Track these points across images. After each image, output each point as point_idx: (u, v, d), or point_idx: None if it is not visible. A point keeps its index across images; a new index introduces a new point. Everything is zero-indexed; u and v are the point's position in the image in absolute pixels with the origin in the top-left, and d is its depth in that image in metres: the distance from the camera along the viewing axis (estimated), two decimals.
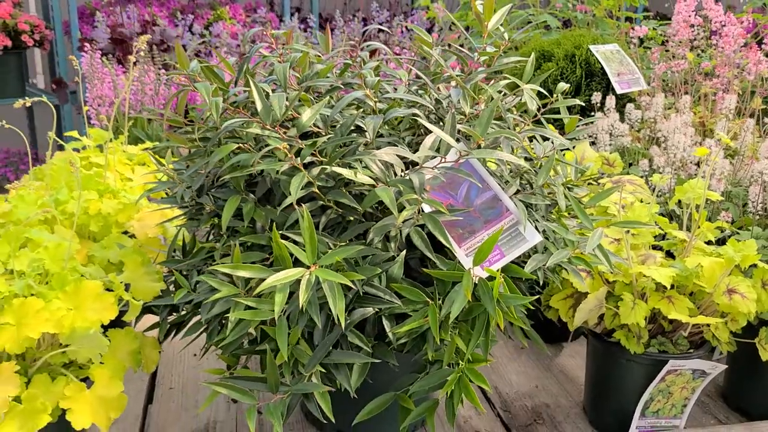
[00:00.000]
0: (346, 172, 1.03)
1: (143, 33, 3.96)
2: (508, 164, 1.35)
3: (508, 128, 1.21)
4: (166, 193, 1.31)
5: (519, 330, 1.26)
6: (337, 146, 1.10)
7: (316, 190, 1.08)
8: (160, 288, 1.26)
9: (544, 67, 2.45)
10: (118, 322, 1.18)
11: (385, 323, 1.12)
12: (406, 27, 4.65)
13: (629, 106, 2.25)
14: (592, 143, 2.12)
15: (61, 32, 4.14)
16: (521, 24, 3.28)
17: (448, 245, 1.00)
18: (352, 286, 1.02)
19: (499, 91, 1.33)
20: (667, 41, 2.47)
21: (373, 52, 1.69)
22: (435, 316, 1.06)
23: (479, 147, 1.22)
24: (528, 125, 1.24)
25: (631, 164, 2.12)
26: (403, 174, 1.09)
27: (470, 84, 1.28)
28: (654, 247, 1.48)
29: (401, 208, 1.03)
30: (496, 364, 1.73)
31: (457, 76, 1.30)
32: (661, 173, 1.87)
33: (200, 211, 1.27)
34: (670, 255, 1.53)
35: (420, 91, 1.41)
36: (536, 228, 1.23)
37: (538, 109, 1.26)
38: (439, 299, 1.11)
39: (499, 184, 1.22)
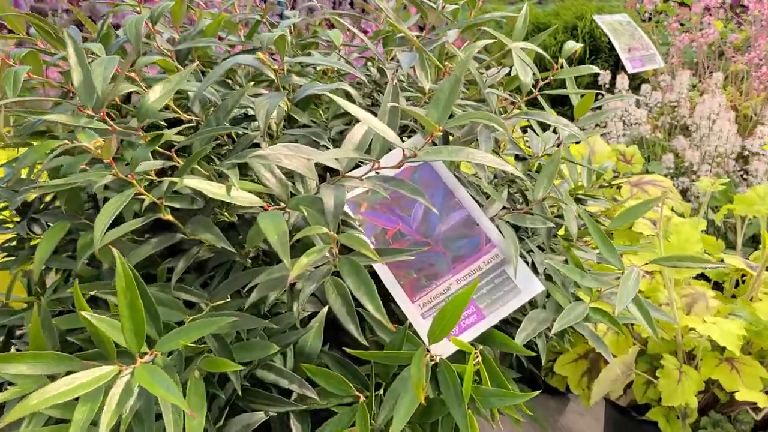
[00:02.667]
0: (208, 188, 0.60)
1: (69, 9, 3.50)
2: (491, 168, 0.92)
3: (490, 112, 0.77)
4: None
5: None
6: (206, 142, 0.67)
7: (168, 216, 0.65)
8: None
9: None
10: None
11: (295, 427, 0.69)
12: None
13: (645, 88, 1.82)
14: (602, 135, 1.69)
15: None
16: None
17: (376, 313, 0.57)
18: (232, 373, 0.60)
19: (479, 60, 0.90)
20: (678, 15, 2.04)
21: (311, 11, 1.25)
22: (365, 423, 0.64)
23: (446, 141, 0.79)
24: (520, 108, 0.81)
25: (648, 158, 1.69)
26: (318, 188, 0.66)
27: (433, 47, 0.84)
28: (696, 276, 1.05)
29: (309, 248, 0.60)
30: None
31: (416, 37, 0.87)
32: (694, 172, 1.45)
33: (23, 242, 0.83)
34: (717, 286, 1.10)
35: (368, 64, 0.98)
36: (533, 267, 0.80)
37: (535, 85, 0.82)
38: (380, 390, 0.68)
39: (476, 200, 0.79)
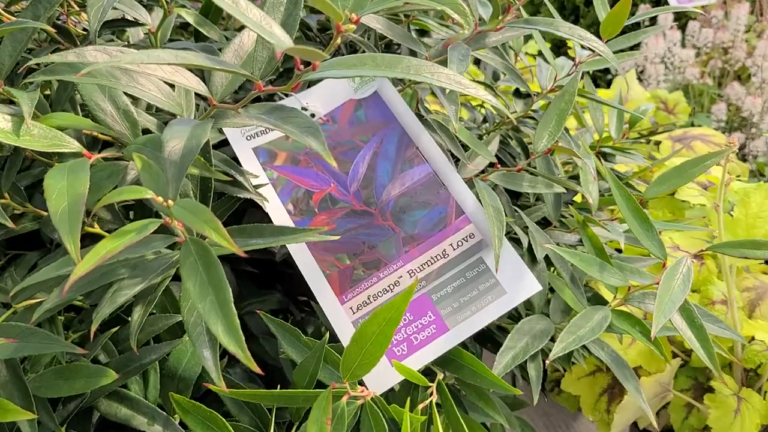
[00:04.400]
0: None
1: None
2: (480, 105, 0.66)
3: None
4: None
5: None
6: (13, 54, 0.43)
7: None
8: None
9: None
10: None
11: None
12: None
13: (693, 26, 1.52)
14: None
15: None
16: None
17: (225, 338, 0.32)
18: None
19: None
20: None
21: None
22: None
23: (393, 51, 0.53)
24: (518, 14, 0.55)
25: (693, 110, 1.40)
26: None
27: None
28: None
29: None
30: None
31: None
32: (753, 125, 1.16)
33: None
34: None
35: None
36: (530, 252, 0.54)
37: None
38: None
39: (447, 150, 0.53)
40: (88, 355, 0.44)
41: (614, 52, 0.62)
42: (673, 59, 1.36)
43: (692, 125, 1.30)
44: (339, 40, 0.34)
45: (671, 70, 1.38)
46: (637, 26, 1.38)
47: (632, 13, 1.15)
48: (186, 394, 0.48)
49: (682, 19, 1.74)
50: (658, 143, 1.13)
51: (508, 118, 0.54)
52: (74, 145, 0.39)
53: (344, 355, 0.39)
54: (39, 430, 0.42)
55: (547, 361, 0.45)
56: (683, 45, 1.47)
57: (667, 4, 1.54)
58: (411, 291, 0.36)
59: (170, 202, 0.34)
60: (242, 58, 0.43)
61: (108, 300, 0.36)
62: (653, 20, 1.52)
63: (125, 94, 0.43)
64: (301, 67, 0.36)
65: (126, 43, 0.53)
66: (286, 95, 0.55)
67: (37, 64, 0.44)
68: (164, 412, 0.46)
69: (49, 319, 0.43)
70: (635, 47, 1.10)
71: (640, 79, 1.41)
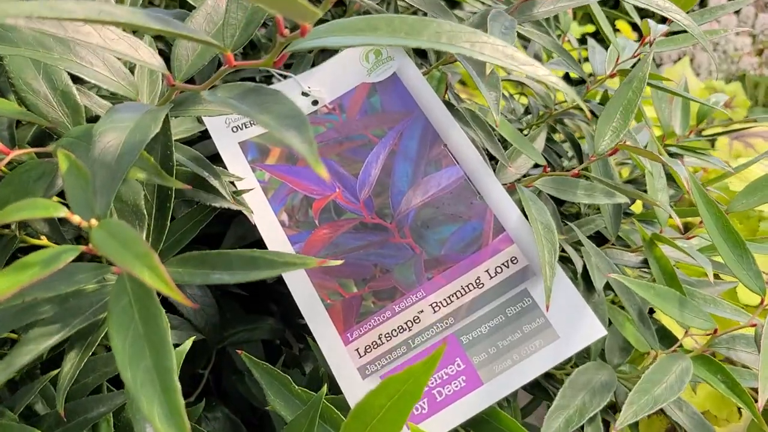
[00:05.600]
0: None
1: None
2: (520, 93, 0.55)
3: None
4: None
5: None
6: None
7: None
8: None
9: None
10: None
11: None
12: None
13: (748, 11, 1.39)
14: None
15: None
16: None
17: (161, 425, 0.22)
18: None
19: None
20: None
21: None
22: None
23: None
24: None
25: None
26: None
27: None
28: None
29: None
30: None
31: None
32: None
33: None
34: None
35: None
36: (585, 278, 0.43)
37: None
38: None
39: (483, 149, 0.42)
40: (17, 408, 0.34)
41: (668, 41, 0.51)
42: (727, 47, 1.23)
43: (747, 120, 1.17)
44: None
45: (724, 59, 1.25)
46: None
47: None
48: None
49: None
50: (712, 141, 1.01)
51: (573, 107, 0.43)
52: None
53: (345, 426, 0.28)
54: None
55: (613, 431, 0.34)
56: (737, 33, 1.34)
57: None
58: (438, 355, 0.25)
59: (93, 222, 0.24)
60: (216, 24, 0.33)
61: (4, 363, 0.26)
62: (702, 4, 1.39)
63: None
64: (286, 32, 0.25)
65: None
66: (284, 77, 0.45)
67: None
68: None
69: None
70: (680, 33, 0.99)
71: (691, 68, 1.28)
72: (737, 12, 1.41)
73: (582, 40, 1.08)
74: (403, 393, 0.26)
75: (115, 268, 0.27)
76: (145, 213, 0.30)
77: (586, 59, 0.72)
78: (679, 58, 1.42)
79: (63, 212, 0.24)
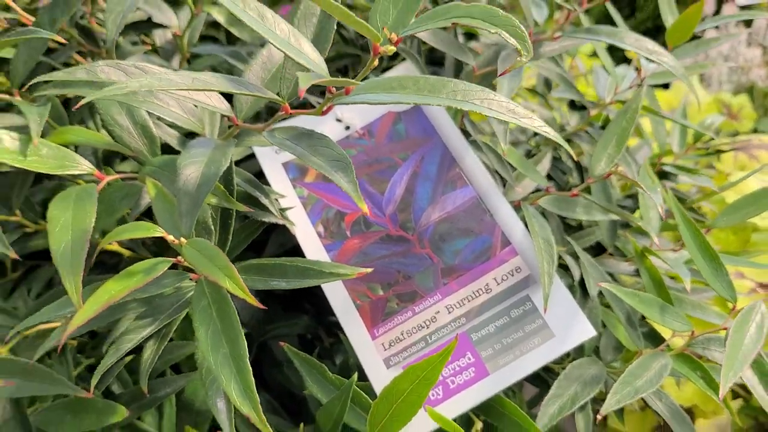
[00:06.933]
0: None
1: None
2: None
3: (524, 23, 0.46)
4: None
5: None
6: (28, 61, 0.40)
7: None
8: None
9: None
10: None
11: None
12: None
13: (760, 23, 1.43)
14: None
15: None
16: None
17: (237, 398, 0.29)
18: None
19: None
20: None
21: None
22: None
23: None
24: (575, 20, 0.49)
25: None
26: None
27: None
28: None
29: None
30: None
31: None
32: None
33: None
34: None
35: None
36: (582, 285, 0.50)
37: None
38: None
39: (494, 171, 0.49)
40: (100, 387, 0.41)
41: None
42: (738, 59, 1.28)
43: (755, 131, 1.22)
44: (376, 63, 0.30)
45: (735, 70, 1.29)
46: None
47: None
48: (203, 427, 0.45)
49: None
50: (719, 152, 1.06)
51: (574, 132, 0.49)
52: (84, 166, 0.36)
53: (372, 411, 0.35)
54: None
55: (598, 417, 0.41)
56: (749, 44, 1.38)
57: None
58: (450, 349, 0.31)
59: (183, 240, 0.31)
60: (270, 71, 0.39)
61: (113, 348, 0.33)
62: (717, 14, 1.44)
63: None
64: (333, 90, 0.32)
65: (151, 45, 0.50)
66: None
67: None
68: None
69: (64, 348, 0.40)
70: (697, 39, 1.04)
71: (701, 80, 1.33)
72: (748, 25, 1.45)
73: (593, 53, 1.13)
74: (422, 379, 0.32)
75: (192, 275, 0.34)
76: (213, 228, 0.37)
77: None
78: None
79: (160, 232, 0.30)
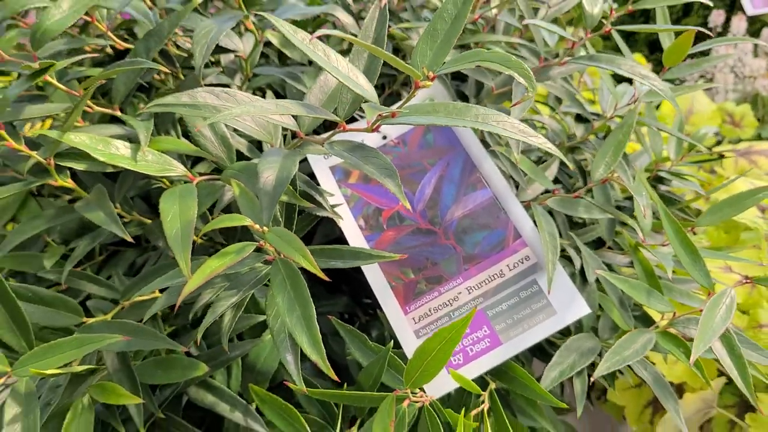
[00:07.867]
0: (98, 147, 0.42)
1: None
2: (542, 126, 0.70)
3: (535, 54, 0.55)
4: None
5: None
6: (132, 80, 0.49)
7: (63, 182, 0.47)
8: None
9: None
10: None
11: None
12: None
13: (766, 33, 1.49)
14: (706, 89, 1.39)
15: None
16: None
17: (310, 350, 0.38)
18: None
19: None
20: None
21: None
22: None
23: (463, 96, 0.58)
24: (581, 45, 0.58)
25: (761, 120, 1.38)
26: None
27: None
28: None
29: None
30: None
31: None
32: None
33: None
34: None
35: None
36: (582, 274, 0.58)
37: (606, 16, 0.59)
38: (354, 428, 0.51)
39: (513, 179, 0.57)
40: (183, 347, 0.50)
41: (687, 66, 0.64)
42: (744, 69, 1.35)
43: (759, 137, 1.29)
44: (417, 94, 0.39)
45: (741, 79, 1.36)
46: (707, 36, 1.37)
47: (704, 24, 1.16)
48: (263, 385, 0.54)
49: (756, 23, 1.70)
50: (722, 157, 1.14)
51: (580, 142, 0.58)
52: (180, 169, 0.45)
53: (408, 366, 0.44)
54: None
55: (591, 378, 0.49)
56: (755, 54, 1.45)
57: (742, 9, 1.52)
58: (470, 316, 0.40)
59: (265, 228, 0.40)
60: (327, 93, 0.48)
61: (210, 311, 0.42)
62: (726, 28, 1.50)
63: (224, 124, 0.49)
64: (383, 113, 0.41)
65: (220, 69, 0.59)
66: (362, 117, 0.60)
67: (147, 94, 0.50)
68: (244, 401, 0.52)
69: (152, 316, 0.50)
70: (703, 56, 1.11)
71: (709, 88, 1.40)
72: (757, 34, 1.52)
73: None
74: (448, 340, 0.41)
75: (268, 257, 0.43)
76: (280, 220, 0.46)
77: None
78: (702, 76, 1.54)
79: (249, 222, 0.39)
